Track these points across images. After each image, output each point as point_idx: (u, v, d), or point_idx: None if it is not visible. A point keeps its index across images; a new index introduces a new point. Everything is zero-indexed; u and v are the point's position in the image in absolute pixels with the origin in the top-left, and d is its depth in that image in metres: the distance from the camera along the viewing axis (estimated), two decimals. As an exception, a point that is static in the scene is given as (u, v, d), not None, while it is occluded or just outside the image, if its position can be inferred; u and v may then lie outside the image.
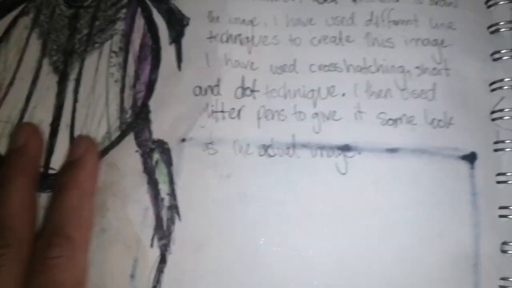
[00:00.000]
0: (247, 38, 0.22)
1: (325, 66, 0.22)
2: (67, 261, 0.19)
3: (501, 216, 0.20)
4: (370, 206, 0.20)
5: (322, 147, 0.21)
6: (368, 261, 0.19)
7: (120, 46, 0.24)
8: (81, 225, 0.20)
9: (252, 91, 0.22)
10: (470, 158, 0.21)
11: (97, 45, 0.24)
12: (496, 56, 0.22)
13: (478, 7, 0.23)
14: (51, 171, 0.22)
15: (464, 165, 0.20)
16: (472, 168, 0.20)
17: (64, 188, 0.21)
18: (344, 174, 0.21)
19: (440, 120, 0.21)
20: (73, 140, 0.23)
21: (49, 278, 0.19)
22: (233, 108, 0.22)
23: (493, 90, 0.22)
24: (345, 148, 0.21)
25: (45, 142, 0.22)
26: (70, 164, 0.22)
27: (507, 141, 0.21)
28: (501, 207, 0.20)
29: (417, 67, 0.21)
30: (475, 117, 0.21)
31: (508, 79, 0.21)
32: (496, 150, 0.21)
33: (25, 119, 0.23)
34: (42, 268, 0.19)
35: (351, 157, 0.21)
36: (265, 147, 0.21)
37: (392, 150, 0.21)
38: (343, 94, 0.21)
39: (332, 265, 0.20)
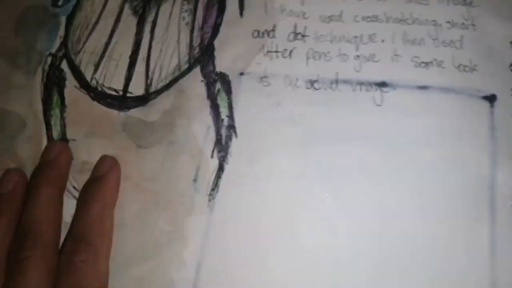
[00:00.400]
0: (301, -6, 0.27)
1: (368, 17, 0.25)
2: (91, 266, 0.21)
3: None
4: (402, 134, 0.23)
5: (361, 83, 0.24)
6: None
7: (191, -5, 0.28)
8: (103, 233, 0.22)
9: (303, 36, 0.26)
10: (491, 98, 0.24)
11: (170, -8, 0.28)
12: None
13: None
14: (129, 95, 0.26)
15: (485, 104, 0.24)
16: (491, 107, 0.24)
17: (88, 201, 0.23)
18: (379, 106, 0.24)
19: (465, 66, 0.24)
20: (148, 71, 0.27)
21: (74, 281, 0.20)
22: (285, 49, 0.26)
23: (513, 45, 0.25)
24: (382, 84, 0.24)
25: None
26: (95, 179, 0.24)
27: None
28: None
29: (447, 22, 0.25)
30: (496, 67, 0.24)
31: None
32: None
33: (108, 52, 0.27)
34: (68, 271, 0.21)
35: (386, 92, 0.24)
36: (312, 82, 0.25)
37: (423, 87, 0.24)
38: (382, 41, 0.25)
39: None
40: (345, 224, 0.23)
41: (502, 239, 0.21)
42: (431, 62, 0.24)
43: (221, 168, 0.24)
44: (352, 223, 0.23)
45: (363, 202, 0.23)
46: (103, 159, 0.25)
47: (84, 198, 0.23)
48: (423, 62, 0.24)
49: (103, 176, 0.24)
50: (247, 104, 0.25)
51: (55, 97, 0.27)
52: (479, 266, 0.21)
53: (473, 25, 0.25)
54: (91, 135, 0.25)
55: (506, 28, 0.25)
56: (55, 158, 0.24)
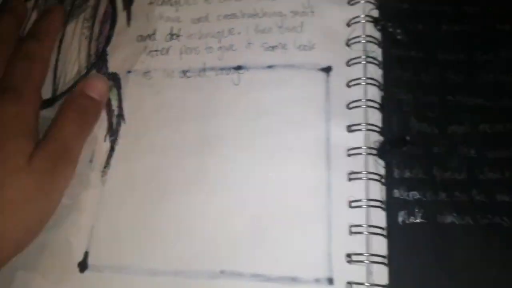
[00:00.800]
0: (175, 1, 0.32)
1: (228, 15, 0.31)
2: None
3: (348, 108, 0.28)
4: (255, 106, 0.28)
5: (223, 69, 0.30)
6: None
7: (90, 15, 0.33)
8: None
9: (178, 36, 0.31)
10: (327, 70, 0.29)
11: (75, 16, 0.34)
12: (352, 2, 0.31)
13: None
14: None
15: (322, 75, 0.29)
16: (328, 76, 0.29)
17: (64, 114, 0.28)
18: (237, 85, 0.29)
19: (305, 45, 0.29)
20: (55, 79, 0.32)
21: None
22: (163, 48, 0.31)
23: (348, 25, 0.30)
24: (238, 68, 0.30)
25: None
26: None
27: (356, 58, 0.29)
28: (349, 102, 0.28)
29: (291, 12, 0.30)
30: (333, 44, 0.30)
31: (362, 15, 0.30)
32: (348, 65, 0.29)
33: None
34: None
35: (242, 73, 0.29)
36: (185, 72, 0.30)
37: (270, 67, 0.29)
38: (239, 33, 0.30)
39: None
40: (219, 185, 0.27)
41: (336, 179, 0.26)
42: (276, 46, 0.30)
43: (112, 149, 0.29)
44: (225, 183, 0.27)
45: (231, 166, 0.28)
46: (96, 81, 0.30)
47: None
48: (270, 46, 0.30)
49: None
50: (133, 96, 0.30)
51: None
52: (318, 200, 0.26)
53: (312, 12, 0.31)
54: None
55: (341, 12, 0.30)
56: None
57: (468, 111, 0.28)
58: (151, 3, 0.32)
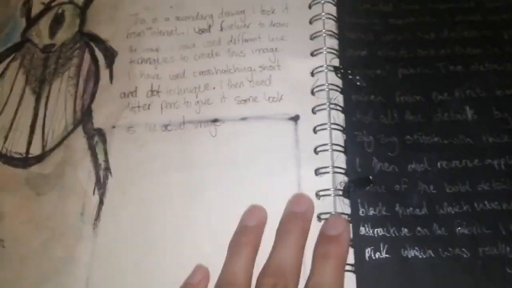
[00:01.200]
0: (154, 60, 0.35)
1: (203, 71, 0.34)
2: None
3: (316, 153, 0.31)
4: (232, 155, 0.31)
5: (201, 121, 0.32)
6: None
7: (74, 73, 0.36)
8: None
9: (158, 92, 0.34)
10: (295, 118, 0.32)
11: (60, 74, 0.36)
12: (315, 53, 0.34)
13: (303, 24, 0.35)
14: (30, 155, 0.34)
15: (291, 123, 0.31)
16: (296, 124, 0.31)
17: (325, 258, 0.26)
18: (214, 136, 0.32)
19: (274, 97, 0.32)
20: (44, 135, 0.34)
21: None
22: (145, 104, 0.34)
23: (312, 75, 0.33)
24: (215, 120, 0.32)
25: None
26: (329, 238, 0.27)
27: (321, 105, 0.32)
28: (316, 147, 0.31)
29: (260, 66, 0.33)
30: (299, 94, 0.32)
31: (324, 65, 0.33)
32: (313, 113, 0.32)
33: (13, 126, 0.35)
34: None
35: (218, 125, 0.32)
36: (166, 125, 0.33)
37: (243, 119, 0.32)
38: (214, 88, 0.33)
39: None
40: (203, 232, 0.30)
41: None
42: (248, 99, 0.32)
43: (101, 202, 0.31)
44: (208, 230, 0.30)
45: (214, 214, 0.30)
46: (335, 219, 0.28)
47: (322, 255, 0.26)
48: (242, 100, 0.32)
49: (337, 236, 0.27)
50: (119, 150, 0.33)
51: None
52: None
53: (279, 65, 0.33)
54: (1, 190, 0.33)
55: (305, 63, 0.33)
56: (305, 211, 0.28)
57: (426, 149, 0.31)
58: (131, 61, 0.35)
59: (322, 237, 0.28)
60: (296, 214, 0.28)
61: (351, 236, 0.28)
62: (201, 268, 0.28)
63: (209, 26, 0.35)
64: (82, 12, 0.38)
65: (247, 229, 0.28)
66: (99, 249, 0.30)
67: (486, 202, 0.29)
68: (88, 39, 0.37)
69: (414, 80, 0.33)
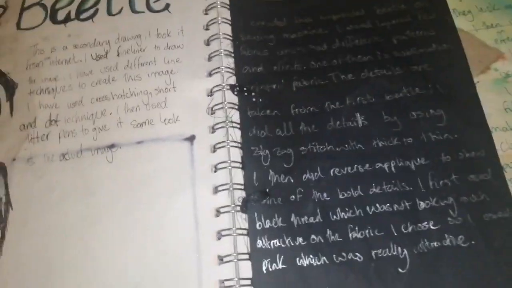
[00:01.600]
0: (53, 89, 0.35)
1: (100, 98, 0.34)
2: None
3: (214, 171, 0.31)
4: (129, 180, 0.31)
5: (98, 148, 0.32)
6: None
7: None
8: None
9: (56, 121, 0.34)
10: (191, 139, 0.32)
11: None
12: (212, 73, 0.34)
13: (199, 46, 0.35)
14: None
15: (186, 144, 0.32)
16: (192, 144, 0.32)
17: None
18: (111, 162, 0.32)
19: (170, 119, 0.32)
20: None
21: None
22: (43, 134, 0.33)
23: (210, 94, 0.33)
24: (111, 146, 0.32)
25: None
26: None
27: (219, 124, 0.32)
28: (214, 165, 0.31)
29: (155, 89, 0.34)
30: (196, 114, 0.33)
31: (221, 84, 0.33)
32: (212, 132, 0.32)
33: None
34: None
35: (114, 151, 0.32)
36: (63, 155, 0.32)
37: (140, 142, 0.32)
38: (111, 113, 0.33)
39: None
40: (101, 260, 0.29)
41: (204, 239, 0.29)
42: (144, 122, 0.32)
43: (2, 236, 0.30)
44: (106, 257, 0.29)
45: (111, 240, 0.30)
46: None
47: None
48: (139, 123, 0.32)
49: None
50: (19, 183, 0.32)
51: None
52: (190, 260, 0.28)
53: (174, 87, 0.34)
54: None
55: (202, 83, 0.34)
56: None
57: (320, 158, 0.32)
58: (31, 92, 0.35)
59: None
60: None
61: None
62: None
63: (106, 52, 0.35)
64: (-16, 46, 0.38)
65: None
66: (2, 283, 0.29)
67: (377, 205, 0.30)
68: (-12, 73, 0.36)
69: (308, 92, 0.34)
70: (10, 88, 0.35)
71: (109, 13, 0.37)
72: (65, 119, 0.33)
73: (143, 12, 0.37)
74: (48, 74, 0.35)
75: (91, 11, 0.37)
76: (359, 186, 0.30)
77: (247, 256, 0.29)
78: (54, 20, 0.37)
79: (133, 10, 0.37)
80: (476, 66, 0.34)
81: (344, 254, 0.29)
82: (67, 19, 0.37)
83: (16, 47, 0.37)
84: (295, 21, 0.36)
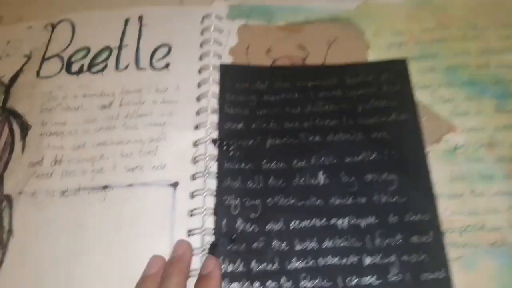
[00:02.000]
0: (61, 132, 0.40)
1: (100, 143, 0.39)
2: None
3: (190, 216, 0.36)
4: (119, 219, 0.36)
5: (93, 188, 0.37)
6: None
7: (-8, 144, 0.41)
8: None
9: (60, 161, 0.39)
10: (174, 185, 0.37)
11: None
12: (199, 127, 0.39)
13: (190, 101, 0.40)
14: None
15: (170, 189, 0.36)
16: (175, 190, 0.36)
17: None
18: (103, 201, 0.37)
19: (158, 166, 0.37)
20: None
21: None
22: (48, 172, 0.38)
23: (195, 146, 0.38)
24: (105, 187, 0.37)
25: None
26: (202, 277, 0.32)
27: (199, 173, 0.37)
28: (191, 210, 0.36)
29: (149, 139, 0.39)
30: (181, 163, 0.38)
31: (205, 137, 0.38)
32: (193, 179, 0.37)
33: None
34: None
35: (107, 191, 0.37)
36: (63, 192, 0.37)
37: (130, 185, 0.37)
38: (108, 158, 0.38)
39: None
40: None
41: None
42: (135, 167, 0.38)
43: (1, 261, 0.35)
44: None
45: (97, 272, 0.34)
46: (207, 259, 0.33)
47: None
48: (131, 168, 0.38)
49: (209, 274, 0.32)
50: (22, 214, 0.37)
51: None
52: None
53: (165, 138, 0.39)
54: None
55: (189, 135, 0.39)
56: (182, 254, 0.33)
57: (283, 210, 0.36)
58: (41, 134, 0.40)
59: (199, 275, 0.33)
60: (175, 258, 0.33)
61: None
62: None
63: (110, 103, 0.41)
64: (6, 90, 0.43)
65: (146, 278, 0.33)
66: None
67: (329, 258, 0.34)
68: (8, 114, 0.42)
69: (279, 149, 0.39)
70: (25, 129, 0.41)
71: (117, 68, 0.43)
72: (68, 160, 0.39)
73: (145, 69, 0.43)
74: (58, 118, 0.41)
75: (102, 65, 0.43)
76: (314, 239, 0.35)
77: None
78: (69, 71, 0.43)
79: (138, 67, 0.43)
80: (430, 136, 0.38)
81: (294, 300, 0.33)
82: (80, 71, 0.43)
83: (34, 93, 0.43)
84: (275, 85, 0.41)
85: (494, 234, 0.34)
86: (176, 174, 0.37)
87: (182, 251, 0.33)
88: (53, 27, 0.46)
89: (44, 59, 0.44)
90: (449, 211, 0.35)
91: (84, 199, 0.37)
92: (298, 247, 0.34)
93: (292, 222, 0.35)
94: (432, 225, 0.34)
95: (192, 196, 0.36)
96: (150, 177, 0.37)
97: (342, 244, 0.34)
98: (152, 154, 0.38)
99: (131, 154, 0.38)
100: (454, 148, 0.37)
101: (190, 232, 0.35)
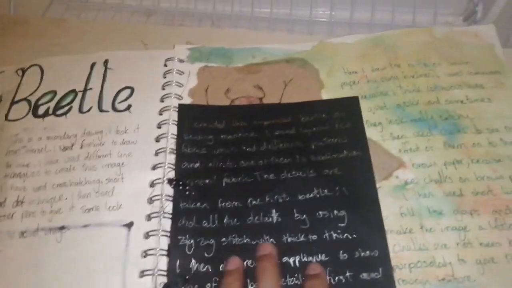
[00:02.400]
0: (24, 174, 0.41)
1: (60, 184, 0.40)
2: None
3: (143, 257, 0.36)
4: (77, 259, 0.36)
5: (50, 229, 0.38)
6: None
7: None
8: None
9: (22, 202, 0.40)
10: (129, 225, 0.37)
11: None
12: (156, 167, 0.40)
13: (150, 142, 0.42)
14: None
15: (124, 229, 0.37)
16: (129, 230, 0.37)
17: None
18: (59, 242, 0.37)
19: (114, 206, 0.38)
20: None
21: None
22: (9, 213, 0.39)
23: (151, 186, 0.39)
24: (62, 228, 0.38)
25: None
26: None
27: (154, 213, 0.38)
28: (144, 251, 0.36)
29: (106, 179, 0.40)
30: (137, 203, 0.39)
31: (162, 178, 0.39)
32: (148, 220, 0.38)
33: None
34: None
35: (64, 232, 0.37)
36: (23, 232, 0.38)
37: (86, 226, 0.38)
38: (66, 198, 0.39)
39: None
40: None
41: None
42: (92, 208, 0.38)
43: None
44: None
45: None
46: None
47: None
48: (87, 209, 0.38)
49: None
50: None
51: None
52: None
53: (122, 178, 0.40)
54: None
55: (146, 176, 0.40)
56: (270, 252, 0.35)
57: (237, 250, 0.36)
58: (6, 176, 0.41)
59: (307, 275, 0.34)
60: (265, 255, 0.35)
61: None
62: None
63: (72, 144, 0.42)
64: (-22, 134, 0.45)
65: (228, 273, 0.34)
66: None
67: (280, 296, 0.34)
68: (-26, 157, 0.44)
69: (235, 188, 0.39)
70: (-14, 171, 0.42)
71: (80, 111, 0.44)
72: (29, 201, 0.40)
73: (108, 111, 0.44)
74: (22, 160, 0.42)
75: (66, 108, 0.45)
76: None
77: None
78: (35, 114, 0.45)
79: (100, 109, 0.44)
80: (380, 172, 0.39)
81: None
82: (46, 114, 0.45)
83: (1, 135, 0.44)
84: (232, 124, 0.43)
85: (443, 269, 0.35)
86: (131, 215, 0.38)
87: (269, 250, 0.35)
88: (24, 71, 0.48)
89: (13, 102, 0.46)
90: (398, 247, 0.36)
91: (41, 239, 0.37)
92: (250, 287, 0.35)
93: (245, 262, 0.36)
94: (382, 262, 0.35)
95: (147, 236, 0.37)
96: (106, 217, 0.38)
97: (293, 282, 0.34)
98: (108, 195, 0.39)
99: (89, 195, 0.39)
100: (404, 184, 0.38)
101: (142, 273, 0.35)
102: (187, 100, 0.44)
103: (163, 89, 0.45)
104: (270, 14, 0.56)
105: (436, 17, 0.56)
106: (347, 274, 0.34)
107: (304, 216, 0.37)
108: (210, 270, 0.35)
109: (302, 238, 0.36)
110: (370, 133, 0.41)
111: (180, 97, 0.44)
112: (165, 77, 0.46)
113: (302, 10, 0.57)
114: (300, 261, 0.35)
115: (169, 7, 0.58)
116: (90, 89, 0.45)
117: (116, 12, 0.59)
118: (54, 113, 0.45)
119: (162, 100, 0.44)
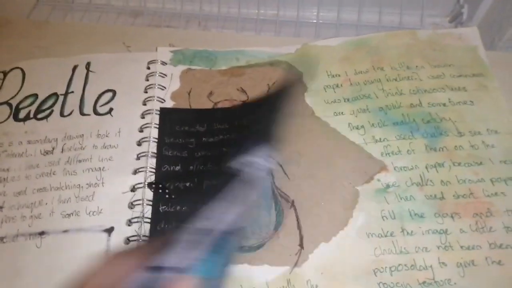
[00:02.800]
0: (4, 178, 0.41)
1: (40, 189, 0.40)
2: None
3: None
4: (55, 267, 0.36)
5: (30, 234, 0.38)
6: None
7: None
8: None
9: (1, 207, 0.39)
10: (109, 230, 0.37)
11: None
12: (137, 171, 0.40)
13: (131, 146, 0.41)
14: None
15: (105, 235, 0.37)
16: (109, 235, 0.37)
17: None
18: (39, 247, 0.37)
19: (94, 211, 0.38)
20: None
21: None
22: (-10, 219, 0.39)
23: (132, 191, 0.39)
24: (42, 233, 0.37)
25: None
26: None
27: (135, 218, 0.37)
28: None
29: (87, 184, 0.39)
30: (118, 208, 0.38)
31: (143, 182, 0.39)
32: (129, 224, 0.37)
33: None
34: None
35: (43, 237, 0.37)
36: (2, 238, 0.38)
37: (65, 231, 0.37)
38: (46, 204, 0.39)
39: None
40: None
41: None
42: (72, 213, 0.38)
43: None
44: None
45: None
46: None
47: None
48: (67, 214, 0.38)
49: None
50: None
51: None
52: None
53: (103, 183, 0.39)
54: None
55: (127, 181, 0.40)
56: None
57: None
58: (-17, 181, 0.41)
59: None
60: None
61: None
62: None
63: (53, 148, 0.42)
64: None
65: None
66: None
67: None
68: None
69: (215, 191, 0.39)
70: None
71: (62, 114, 0.44)
72: (10, 206, 0.39)
73: (89, 115, 0.44)
74: (2, 165, 0.42)
75: (47, 112, 0.44)
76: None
77: None
78: (16, 118, 0.44)
79: (82, 113, 0.44)
80: (362, 176, 0.39)
81: None
82: (27, 117, 0.44)
83: (-20, 141, 0.44)
84: (214, 127, 0.42)
85: (424, 273, 0.35)
86: (112, 220, 0.38)
87: None
88: (5, 74, 0.47)
89: (-6, 106, 0.46)
90: (379, 250, 0.36)
91: (21, 245, 0.37)
92: None
93: (225, 265, 0.36)
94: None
95: (127, 241, 0.37)
96: (86, 222, 0.38)
97: None
98: (88, 200, 0.39)
99: (69, 200, 0.39)
100: (386, 187, 0.38)
101: (122, 278, 0.35)
102: (169, 103, 0.44)
103: (146, 92, 0.45)
104: (257, 15, 0.56)
105: (422, 18, 0.56)
106: (327, 278, 0.34)
107: (285, 219, 0.37)
108: (190, 275, 0.35)
109: (282, 242, 0.36)
110: (353, 136, 0.41)
111: (162, 100, 0.44)
112: (147, 80, 0.45)
113: (289, 11, 0.57)
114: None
115: (155, 8, 0.58)
116: (72, 92, 0.45)
117: (102, 13, 0.59)
118: (35, 116, 0.44)
119: (144, 103, 0.44)
